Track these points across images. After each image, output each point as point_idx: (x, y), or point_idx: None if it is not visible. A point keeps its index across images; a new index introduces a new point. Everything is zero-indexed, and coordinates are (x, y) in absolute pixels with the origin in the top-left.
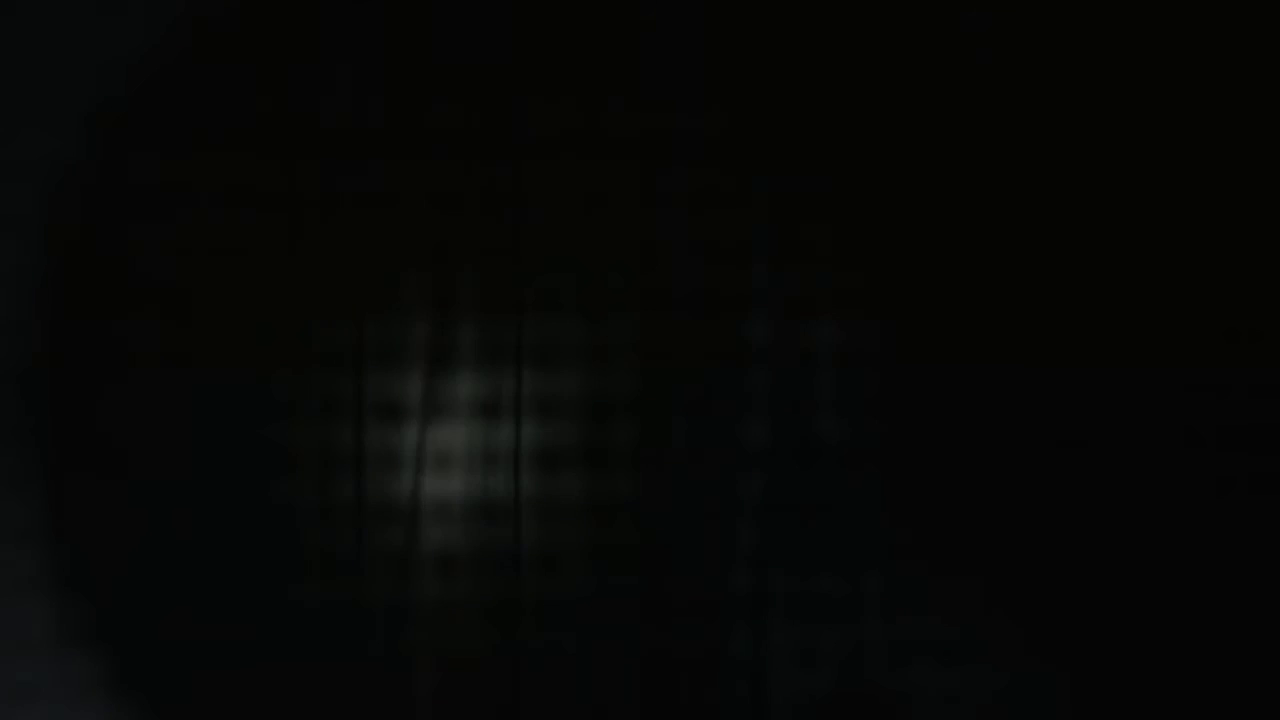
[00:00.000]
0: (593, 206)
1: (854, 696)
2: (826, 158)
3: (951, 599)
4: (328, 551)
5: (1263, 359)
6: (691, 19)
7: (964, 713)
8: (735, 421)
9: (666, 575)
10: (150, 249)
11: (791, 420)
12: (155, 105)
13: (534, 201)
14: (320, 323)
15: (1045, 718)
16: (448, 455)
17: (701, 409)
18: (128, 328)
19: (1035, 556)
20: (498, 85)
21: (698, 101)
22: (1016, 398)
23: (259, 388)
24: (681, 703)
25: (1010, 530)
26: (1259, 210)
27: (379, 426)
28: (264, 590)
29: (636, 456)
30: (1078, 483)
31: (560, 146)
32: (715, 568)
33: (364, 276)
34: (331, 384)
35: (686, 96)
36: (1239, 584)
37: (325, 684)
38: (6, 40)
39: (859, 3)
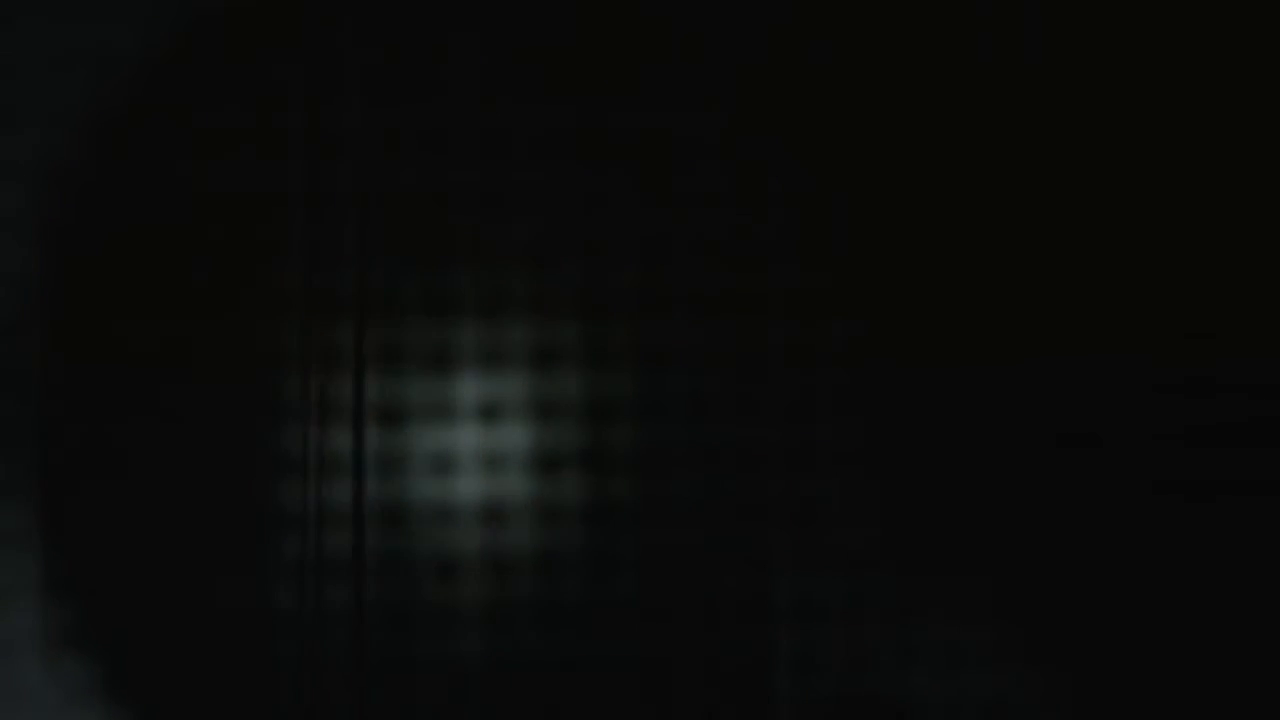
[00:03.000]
0: None
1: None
2: None
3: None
4: (322, 557)
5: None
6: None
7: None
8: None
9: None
10: (148, 249)
11: None
12: (154, 105)
13: None
14: (319, 324)
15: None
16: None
17: None
18: (125, 329)
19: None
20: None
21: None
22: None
23: (257, 390)
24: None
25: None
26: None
27: (380, 430)
28: (258, 594)
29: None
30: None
31: None
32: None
33: (363, 279)
34: (330, 387)
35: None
36: (1243, 585)
37: (313, 688)
38: (5, 40)
39: None
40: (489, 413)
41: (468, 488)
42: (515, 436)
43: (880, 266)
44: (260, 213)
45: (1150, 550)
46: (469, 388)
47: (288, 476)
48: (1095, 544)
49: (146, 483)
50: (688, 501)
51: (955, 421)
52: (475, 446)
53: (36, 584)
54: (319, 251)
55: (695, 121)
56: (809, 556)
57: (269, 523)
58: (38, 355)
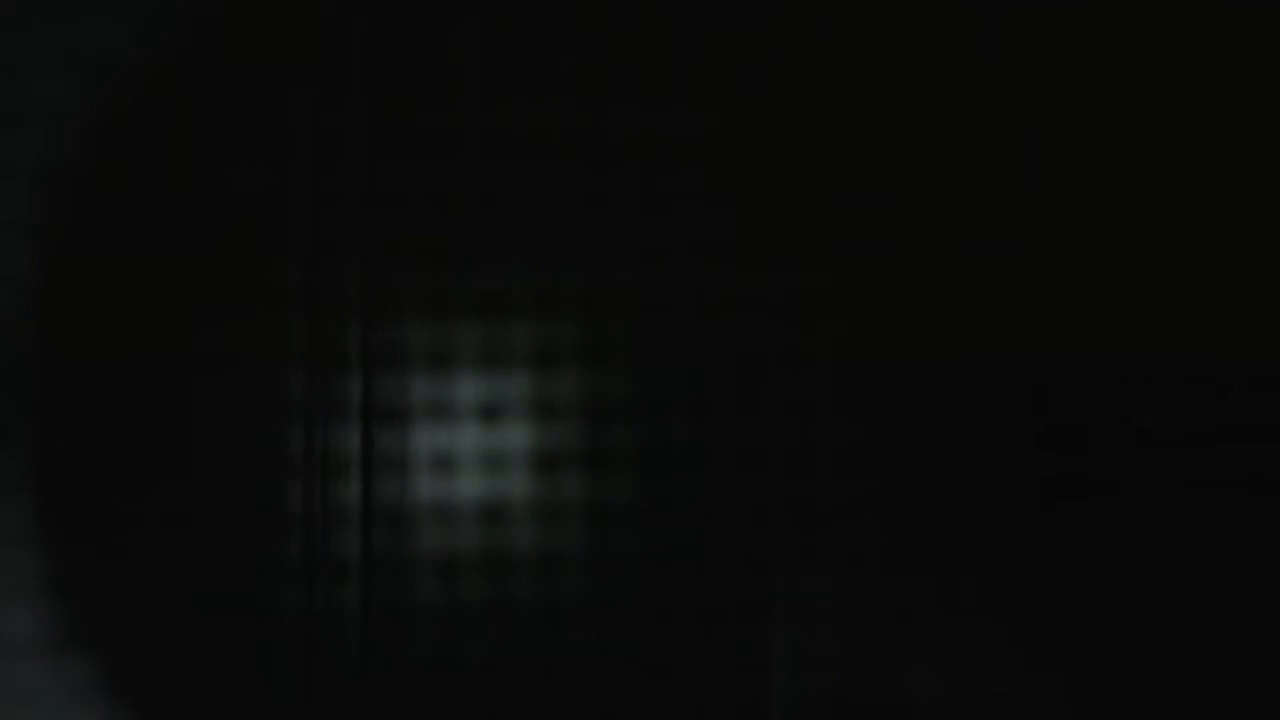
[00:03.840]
0: None
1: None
2: None
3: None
4: (320, 556)
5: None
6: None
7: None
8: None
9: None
10: (148, 249)
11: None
12: (155, 105)
13: None
14: (320, 324)
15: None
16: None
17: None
18: (125, 329)
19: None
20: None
21: None
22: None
23: (258, 389)
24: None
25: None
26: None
27: (380, 430)
28: (259, 595)
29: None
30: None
31: None
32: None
33: (362, 278)
34: (331, 387)
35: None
36: (1242, 584)
37: (314, 688)
38: (4, 39)
39: None
40: (489, 412)
41: (468, 487)
42: (515, 436)
43: (882, 266)
44: (262, 212)
45: (1151, 549)
46: (469, 387)
47: (288, 476)
48: (1096, 543)
49: (147, 482)
50: (688, 501)
51: (955, 421)
52: (475, 446)
53: (36, 584)
54: (320, 251)
55: (694, 121)
56: (808, 556)
57: (269, 523)
58: (37, 354)
